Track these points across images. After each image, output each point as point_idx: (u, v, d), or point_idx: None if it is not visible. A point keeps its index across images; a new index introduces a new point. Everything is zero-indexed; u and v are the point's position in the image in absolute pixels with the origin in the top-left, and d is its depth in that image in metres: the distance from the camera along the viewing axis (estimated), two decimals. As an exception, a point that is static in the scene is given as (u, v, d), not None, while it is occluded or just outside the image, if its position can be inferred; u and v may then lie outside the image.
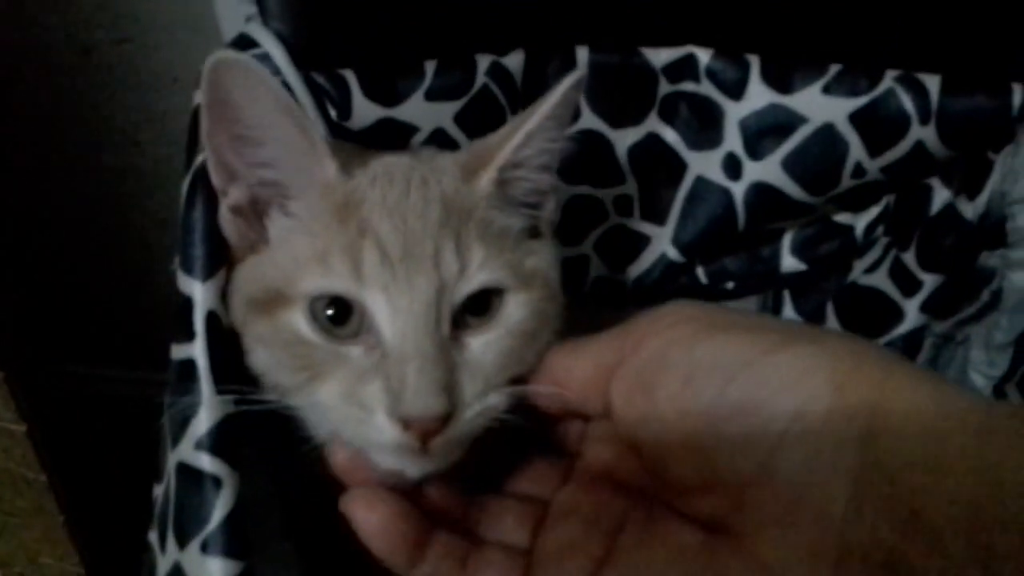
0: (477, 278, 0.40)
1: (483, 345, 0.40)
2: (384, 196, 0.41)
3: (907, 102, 0.50)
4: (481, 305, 0.41)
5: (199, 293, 0.41)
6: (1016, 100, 0.49)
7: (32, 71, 0.83)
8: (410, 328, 0.38)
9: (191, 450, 0.38)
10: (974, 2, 0.49)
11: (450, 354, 0.39)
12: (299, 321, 0.39)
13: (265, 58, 0.48)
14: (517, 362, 0.41)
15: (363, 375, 0.39)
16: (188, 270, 0.42)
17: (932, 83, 0.50)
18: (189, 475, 0.38)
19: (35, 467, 0.73)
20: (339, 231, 0.40)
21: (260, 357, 0.41)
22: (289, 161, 0.41)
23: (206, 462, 0.38)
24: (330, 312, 0.39)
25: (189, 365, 0.40)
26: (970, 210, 0.51)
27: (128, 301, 0.98)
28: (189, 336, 0.40)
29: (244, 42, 0.49)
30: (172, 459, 0.40)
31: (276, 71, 0.48)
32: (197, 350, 0.40)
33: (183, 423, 0.39)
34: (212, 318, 0.41)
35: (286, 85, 0.48)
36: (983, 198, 0.51)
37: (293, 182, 0.41)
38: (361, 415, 0.38)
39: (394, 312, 0.39)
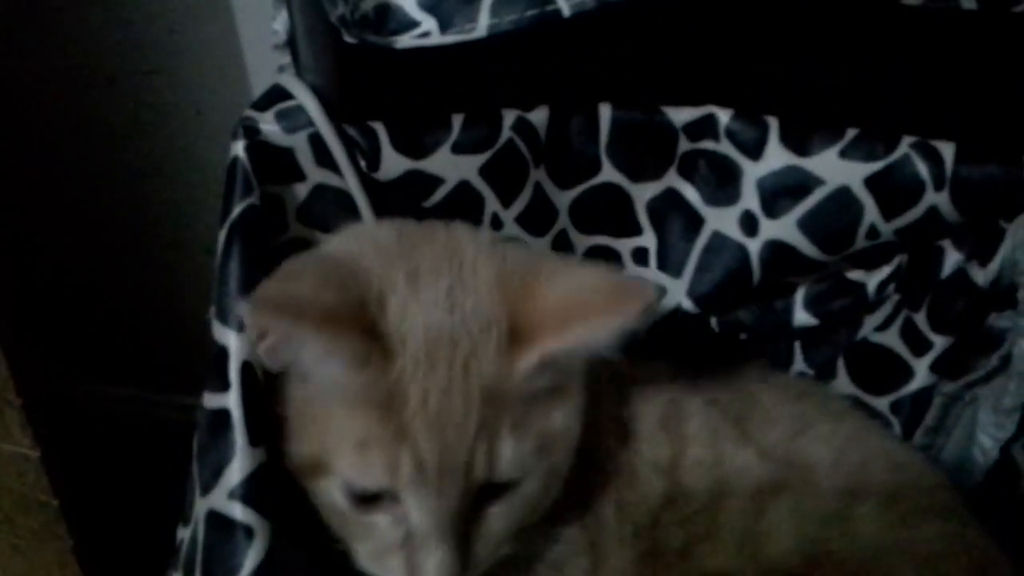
0: (504, 474, 0.42)
1: (499, 515, 0.43)
2: (426, 399, 0.41)
3: (922, 168, 0.52)
4: (502, 485, 0.43)
5: (234, 343, 0.42)
6: (1029, 169, 0.50)
7: (58, 99, 0.85)
8: (435, 522, 0.41)
9: (224, 499, 0.40)
10: (990, 73, 0.51)
11: (468, 531, 0.43)
12: (335, 493, 0.42)
13: (299, 110, 0.50)
14: (529, 517, 0.45)
15: (388, 546, 0.43)
16: (223, 320, 0.43)
17: (947, 151, 0.51)
18: (221, 523, 0.39)
19: (47, 492, 0.74)
20: (379, 424, 0.40)
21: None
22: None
23: (238, 511, 0.39)
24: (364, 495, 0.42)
25: (223, 415, 0.41)
26: (981, 276, 0.53)
27: (146, 324, 1.00)
28: (224, 386, 0.41)
29: (277, 93, 0.50)
30: (203, 506, 0.41)
31: (309, 122, 0.50)
32: (231, 401, 0.41)
33: (216, 472, 0.40)
34: (247, 368, 0.42)
35: (318, 136, 0.50)
36: (995, 265, 0.52)
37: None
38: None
39: (422, 508, 0.41)
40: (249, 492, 0.40)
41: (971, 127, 0.51)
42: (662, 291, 0.48)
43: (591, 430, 0.47)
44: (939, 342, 0.56)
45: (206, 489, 0.41)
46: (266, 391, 0.43)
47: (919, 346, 0.57)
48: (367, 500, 0.42)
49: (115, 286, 1.00)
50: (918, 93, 0.52)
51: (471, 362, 0.41)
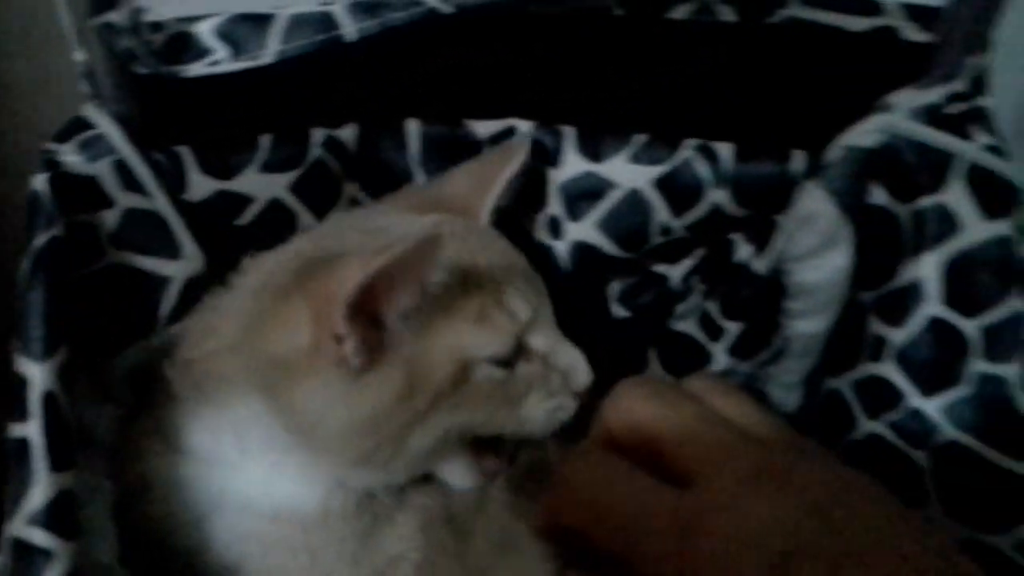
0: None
1: None
2: (487, 256, 0.49)
3: (703, 168, 0.56)
4: None
5: (36, 374, 0.43)
6: (797, 166, 0.55)
7: None
8: (552, 332, 0.50)
9: (24, 525, 0.40)
10: (762, 79, 0.55)
11: None
12: (491, 372, 0.47)
13: (101, 138, 0.51)
14: None
15: (545, 379, 0.49)
16: (25, 351, 0.44)
17: (725, 151, 0.56)
18: (21, 549, 0.40)
19: None
20: (479, 294, 0.47)
21: (439, 431, 0.46)
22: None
23: (38, 537, 0.40)
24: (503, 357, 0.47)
25: (23, 444, 0.42)
26: (761, 266, 0.57)
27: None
28: (24, 415, 0.42)
29: (80, 124, 0.51)
30: (7, 532, 0.42)
31: (112, 150, 0.51)
32: (32, 429, 0.42)
33: (16, 499, 0.41)
34: (49, 398, 0.43)
35: (123, 163, 0.51)
36: (770, 255, 0.56)
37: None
38: (559, 402, 0.50)
39: (541, 332, 0.49)
40: (50, 517, 0.41)
41: (745, 129, 0.56)
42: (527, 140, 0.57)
43: None
44: (731, 328, 0.61)
45: (9, 516, 0.42)
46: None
47: (715, 333, 0.62)
48: (509, 361, 0.47)
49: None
50: (697, 100, 0.56)
51: (473, 224, 0.53)
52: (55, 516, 0.41)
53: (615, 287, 0.64)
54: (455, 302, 0.46)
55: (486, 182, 0.54)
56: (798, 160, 0.55)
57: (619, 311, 0.64)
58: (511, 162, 0.54)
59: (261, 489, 0.48)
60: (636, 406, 0.41)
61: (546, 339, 0.49)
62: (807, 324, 0.55)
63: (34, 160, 0.50)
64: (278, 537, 0.49)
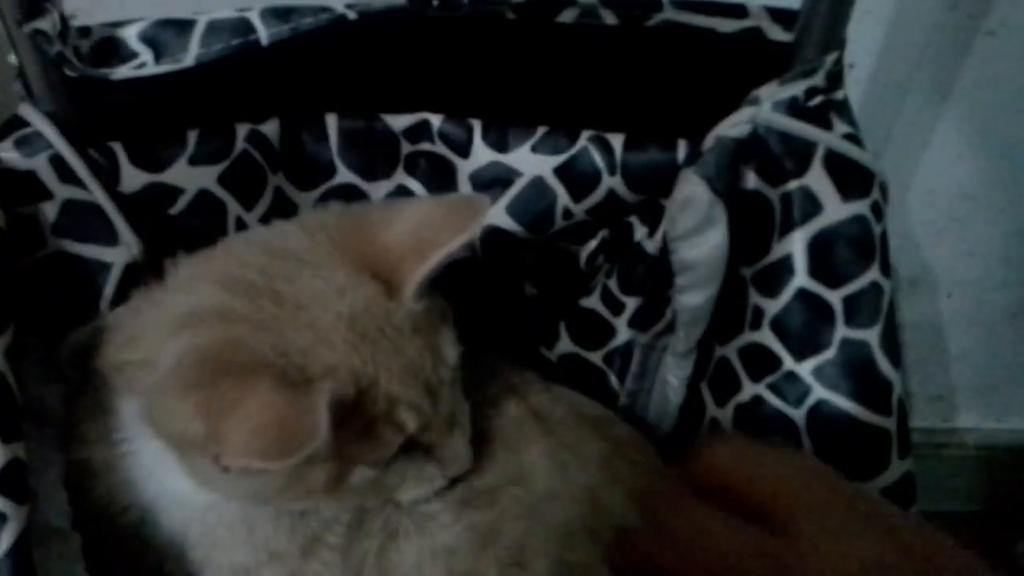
0: (453, 363, 0.52)
1: (456, 388, 0.53)
2: (388, 367, 0.47)
3: (598, 157, 0.61)
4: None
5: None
6: (680, 154, 0.60)
7: None
8: (441, 429, 0.51)
9: (-25, 491, 0.45)
10: (645, 76, 0.61)
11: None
12: (365, 474, 0.49)
13: (37, 135, 0.55)
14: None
15: (420, 469, 0.52)
16: (-31, 335, 0.48)
17: (617, 141, 0.61)
18: (-24, 514, 0.45)
19: None
20: (370, 407, 0.47)
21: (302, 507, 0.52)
22: None
23: (-9, 500, 0.45)
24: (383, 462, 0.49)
25: (-30, 418, 0.46)
26: (651, 246, 0.63)
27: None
28: (-31, 392, 0.47)
29: (17, 122, 0.55)
30: (-38, 497, 0.46)
31: (49, 146, 0.55)
32: (-22, 403, 0.46)
33: (-31, 469, 0.46)
34: (-3, 376, 0.47)
35: (59, 157, 0.55)
36: (659, 236, 0.62)
37: None
38: (431, 487, 0.53)
39: (431, 429, 0.50)
40: (2, 483, 0.45)
41: (636, 118, 0.61)
42: (489, 200, 0.54)
43: None
44: (630, 303, 0.66)
45: (-37, 483, 0.46)
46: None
47: (616, 307, 0.67)
48: (389, 460, 0.49)
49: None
50: (590, 94, 0.61)
51: (389, 316, 0.48)
52: (6, 482, 0.45)
53: (527, 267, 0.69)
54: (347, 419, 0.45)
55: (425, 250, 0.49)
56: (682, 149, 0.60)
57: (531, 289, 0.70)
58: (461, 233, 0.49)
59: (192, 489, 0.51)
60: (723, 463, 0.40)
61: (434, 435, 0.51)
62: (692, 297, 0.61)
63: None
64: (216, 516, 0.53)
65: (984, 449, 1.12)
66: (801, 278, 0.57)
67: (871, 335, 0.56)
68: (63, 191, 0.56)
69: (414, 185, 0.65)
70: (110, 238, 0.57)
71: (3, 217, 0.52)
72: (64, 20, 0.51)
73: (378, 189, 0.65)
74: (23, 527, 0.45)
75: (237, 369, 0.44)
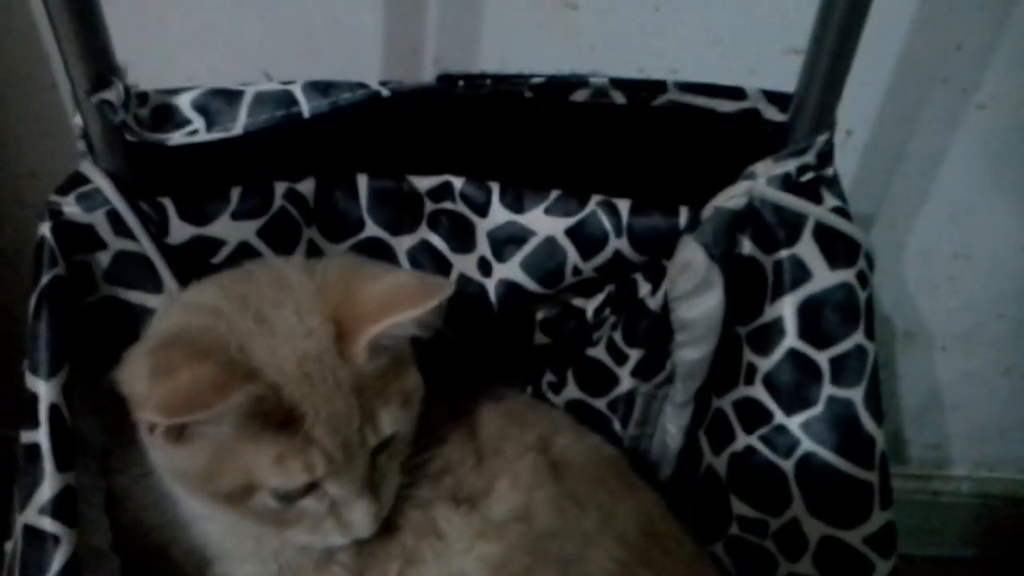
0: (386, 434, 0.56)
1: (388, 459, 0.58)
2: (317, 410, 0.52)
3: (606, 220, 0.66)
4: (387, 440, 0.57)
5: (43, 390, 0.53)
6: (682, 220, 0.65)
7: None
8: (351, 487, 0.55)
9: (35, 514, 0.50)
10: (654, 146, 0.66)
11: (372, 480, 0.56)
12: (268, 501, 0.53)
13: (96, 191, 0.60)
14: (405, 453, 0.60)
15: (319, 518, 0.55)
16: (34, 371, 0.53)
17: (623, 206, 0.66)
18: (33, 534, 0.50)
19: None
20: (287, 440, 0.52)
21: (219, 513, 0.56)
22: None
23: (48, 524, 0.50)
24: (289, 494, 0.54)
25: (34, 448, 0.52)
26: (653, 303, 0.68)
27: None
28: (34, 424, 0.52)
29: (77, 179, 0.60)
30: (20, 521, 0.51)
31: (106, 201, 0.60)
32: (41, 436, 0.52)
33: (29, 493, 0.51)
34: (54, 409, 0.53)
35: (115, 211, 0.61)
36: (660, 294, 0.67)
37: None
38: (324, 541, 0.57)
39: (339, 484, 0.54)
40: (56, 508, 0.50)
41: (640, 187, 0.66)
42: (452, 286, 0.58)
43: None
44: (633, 355, 0.71)
45: (22, 507, 0.51)
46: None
47: (620, 358, 0.72)
48: (291, 497, 0.54)
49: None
50: (599, 164, 0.66)
51: (336, 367, 0.54)
52: (60, 507, 0.50)
53: (539, 318, 0.74)
54: (263, 436, 0.51)
55: (381, 314, 0.54)
56: (683, 215, 0.65)
57: (542, 338, 0.74)
58: (416, 306, 0.53)
59: (205, 509, 0.58)
60: None
61: (342, 490, 0.54)
62: (690, 352, 0.65)
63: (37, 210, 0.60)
64: (228, 531, 0.60)
65: (978, 497, 1.15)
66: (791, 339, 0.62)
67: (855, 394, 0.61)
68: (117, 243, 0.61)
69: (436, 240, 0.70)
70: (155, 286, 0.63)
71: (63, 265, 0.58)
72: (127, 91, 0.57)
73: (402, 243, 0.71)
74: (73, 549, 0.50)
75: (197, 348, 0.51)
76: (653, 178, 0.66)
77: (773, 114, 0.62)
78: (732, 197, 0.61)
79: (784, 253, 0.61)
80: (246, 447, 0.52)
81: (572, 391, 0.76)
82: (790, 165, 0.60)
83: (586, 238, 0.66)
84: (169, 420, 0.48)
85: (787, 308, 0.62)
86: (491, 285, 0.70)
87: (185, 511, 0.60)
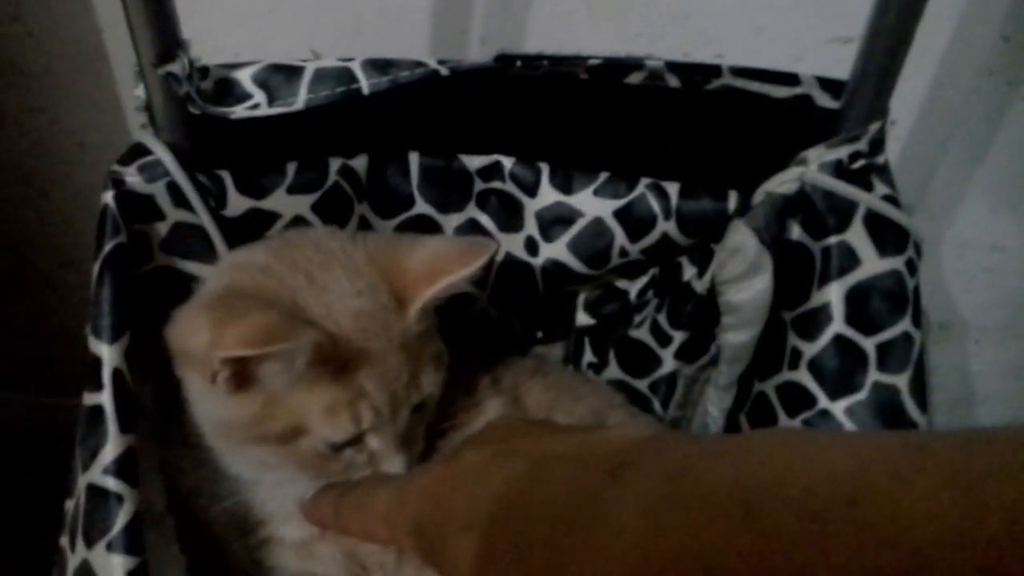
0: (426, 394, 0.58)
1: (419, 421, 0.59)
2: (372, 363, 0.54)
3: (654, 203, 0.67)
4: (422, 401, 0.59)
5: (106, 354, 0.54)
6: (731, 204, 0.66)
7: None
8: (391, 443, 0.56)
9: (99, 474, 0.51)
10: (706, 131, 0.66)
11: (409, 439, 0.58)
12: (315, 445, 0.55)
13: (157, 163, 0.61)
14: (432, 417, 0.61)
15: (357, 469, 0.57)
16: (97, 335, 0.55)
17: (672, 189, 0.66)
18: (98, 493, 0.51)
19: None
20: (340, 391, 0.53)
21: (257, 460, 0.57)
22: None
23: (111, 483, 0.51)
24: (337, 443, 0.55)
25: (98, 410, 0.53)
26: (700, 286, 0.68)
27: (32, 335, 1.09)
28: (98, 387, 0.53)
29: (139, 150, 0.61)
30: (83, 480, 0.52)
31: (166, 172, 0.61)
32: (105, 398, 0.53)
33: (93, 453, 0.52)
34: (117, 373, 0.54)
35: (174, 183, 0.62)
36: (707, 278, 0.67)
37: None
38: None
39: (382, 439, 0.56)
40: (120, 468, 0.51)
41: (690, 171, 0.67)
42: (498, 244, 0.61)
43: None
44: (677, 337, 0.72)
45: (85, 467, 0.52)
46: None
47: (664, 340, 0.73)
48: (338, 446, 0.55)
49: (7, 300, 1.09)
50: (650, 147, 0.67)
51: (388, 325, 0.55)
52: (123, 467, 0.51)
53: (583, 298, 0.75)
54: (317, 385, 0.53)
55: (433, 277, 0.56)
56: (733, 200, 0.66)
57: (585, 319, 0.75)
58: (466, 266, 0.56)
59: (254, 474, 0.60)
60: None
61: (381, 444, 0.56)
62: (736, 335, 0.66)
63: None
64: (274, 495, 0.61)
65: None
66: (838, 324, 0.62)
67: (901, 380, 0.61)
68: (175, 214, 0.62)
69: (484, 219, 0.71)
70: (210, 256, 0.64)
71: (125, 233, 0.59)
72: (191, 64, 0.58)
73: (451, 221, 0.71)
74: (136, 508, 0.52)
75: (257, 299, 0.53)
76: (703, 162, 0.66)
77: (826, 101, 0.62)
78: (783, 182, 0.61)
79: (833, 239, 0.62)
80: (300, 396, 0.53)
81: (613, 371, 0.77)
82: (842, 152, 0.61)
83: (634, 220, 0.67)
84: (250, 352, 0.49)
85: (835, 294, 0.62)
86: (537, 265, 0.71)
87: (229, 478, 0.61)
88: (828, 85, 0.62)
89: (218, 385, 0.53)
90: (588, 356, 0.80)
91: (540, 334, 0.77)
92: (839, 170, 0.61)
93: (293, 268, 0.57)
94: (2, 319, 1.12)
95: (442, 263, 0.57)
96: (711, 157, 0.66)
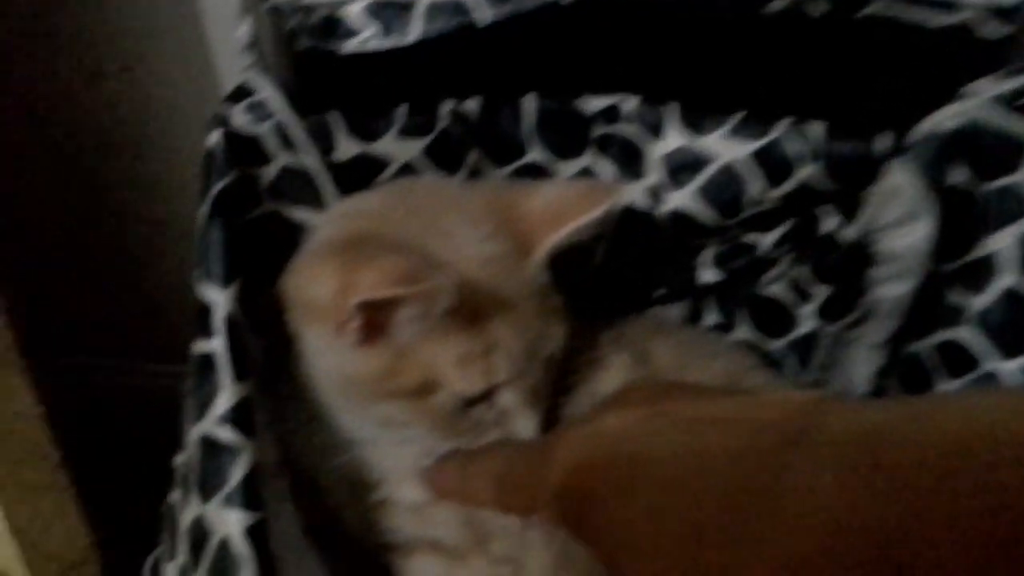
0: (555, 345, 0.55)
1: (546, 374, 0.55)
2: (503, 312, 0.51)
3: (796, 145, 0.61)
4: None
5: (218, 298, 0.51)
6: (882, 145, 0.60)
7: (44, 93, 0.93)
8: (524, 400, 0.53)
9: (213, 424, 0.48)
10: (851, 64, 0.60)
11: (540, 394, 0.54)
12: (447, 401, 0.51)
13: (265, 103, 0.58)
14: (556, 371, 0.57)
15: (486, 427, 0.53)
16: (208, 279, 0.52)
17: (818, 129, 0.60)
18: (212, 445, 0.48)
19: (50, 445, 0.82)
20: (472, 342, 0.50)
21: (382, 418, 0.53)
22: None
23: (227, 434, 0.48)
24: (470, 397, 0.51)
25: (210, 358, 0.50)
26: (849, 235, 0.62)
27: (128, 299, 1.08)
28: (210, 334, 0.50)
29: (244, 91, 0.58)
30: (195, 432, 0.49)
31: (274, 114, 0.58)
32: (217, 344, 0.50)
33: (206, 403, 0.49)
34: (230, 319, 0.51)
35: (282, 125, 0.58)
36: (858, 225, 0.61)
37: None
38: None
39: (515, 394, 0.52)
40: (235, 417, 0.48)
41: (838, 108, 0.61)
42: (625, 187, 0.59)
43: None
44: (821, 291, 0.66)
45: (197, 419, 0.49)
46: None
47: (804, 296, 0.67)
48: (471, 401, 0.52)
49: (104, 264, 1.08)
50: (791, 82, 0.61)
51: (516, 272, 0.52)
52: (239, 417, 0.48)
53: (708, 253, 0.70)
54: (450, 335, 0.50)
55: (558, 222, 0.53)
56: (884, 140, 0.60)
57: (709, 275, 0.70)
58: (592, 210, 0.53)
59: (368, 432, 0.56)
60: None
61: (513, 399, 0.52)
62: (893, 288, 0.60)
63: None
64: (387, 455, 0.57)
65: None
66: (1008, 276, 0.56)
67: (1080, 338, 0.55)
68: (282, 157, 0.59)
69: (602, 166, 0.66)
70: (318, 203, 0.61)
71: (233, 175, 0.56)
72: (298, -2, 0.54)
73: (566, 169, 0.67)
74: (253, 460, 0.48)
75: (380, 243, 0.50)
76: (852, 99, 0.60)
77: (991, 30, 0.55)
78: (945, 120, 0.55)
79: (1002, 182, 0.55)
80: (432, 347, 0.50)
81: (743, 332, 0.71)
82: (1012, 85, 0.54)
83: (773, 164, 0.61)
84: (390, 293, 0.46)
85: (1004, 242, 0.56)
86: (660, 216, 0.66)
87: (342, 438, 0.58)
88: (997, 11, 0.55)
89: (345, 337, 0.49)
90: (712, 317, 0.74)
91: (659, 293, 0.72)
92: (1009, 105, 0.54)
93: (412, 214, 0.54)
94: (97, 286, 1.11)
95: (566, 207, 0.53)
96: (861, 93, 0.60)
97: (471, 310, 0.50)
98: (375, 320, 0.49)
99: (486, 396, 0.52)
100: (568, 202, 0.54)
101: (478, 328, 0.50)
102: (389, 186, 0.60)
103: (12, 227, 0.99)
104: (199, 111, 0.85)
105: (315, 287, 0.50)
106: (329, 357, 0.53)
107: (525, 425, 0.53)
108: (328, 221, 0.58)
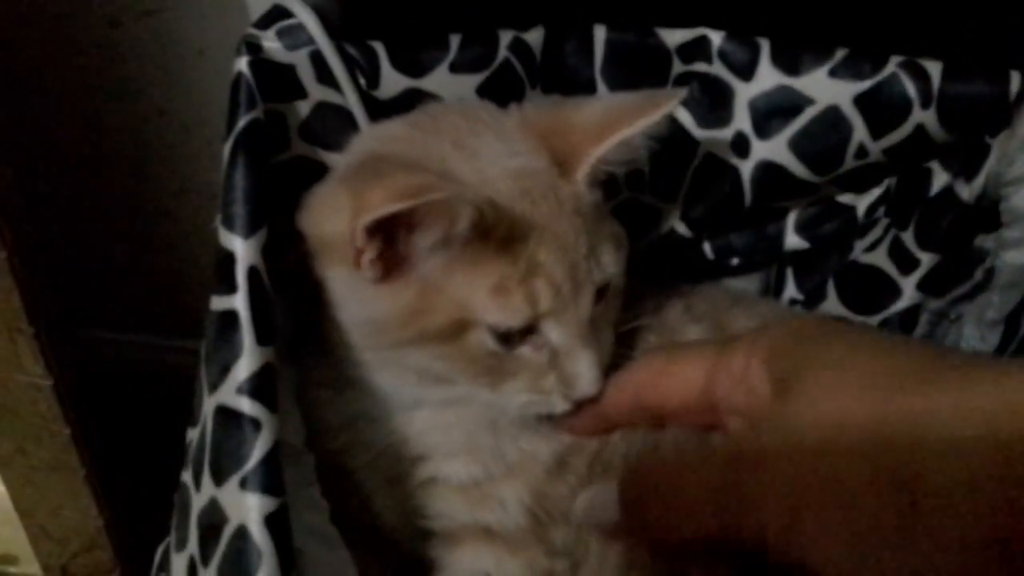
0: (608, 274, 0.48)
1: (605, 312, 0.49)
2: (542, 231, 0.45)
3: (909, 87, 0.53)
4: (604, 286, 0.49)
5: (241, 249, 0.44)
6: (1014, 87, 0.51)
7: (60, 41, 0.86)
8: (576, 332, 0.46)
9: (232, 394, 0.41)
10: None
11: (595, 332, 0.48)
12: (485, 340, 0.45)
13: (300, 27, 0.51)
14: (618, 309, 0.51)
15: (538, 371, 0.47)
16: (230, 227, 0.44)
17: (934, 69, 0.52)
18: (229, 417, 0.41)
19: (60, 421, 0.76)
20: (510, 265, 0.44)
21: (418, 369, 0.47)
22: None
23: (246, 405, 0.41)
24: (508, 333, 0.45)
25: (230, 316, 0.42)
26: (967, 192, 0.54)
27: (147, 269, 1.02)
28: (231, 289, 0.43)
29: (278, 13, 0.51)
30: (210, 403, 0.42)
31: (310, 40, 0.51)
32: (239, 302, 0.42)
33: (223, 369, 0.42)
34: (253, 272, 0.43)
35: (319, 54, 0.51)
36: (979, 180, 0.53)
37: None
38: (545, 403, 0.48)
39: (564, 325, 0.46)
40: (256, 387, 0.41)
41: (958, 44, 0.52)
42: (683, 93, 0.50)
43: None
44: (926, 260, 0.57)
45: (214, 387, 0.42)
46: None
47: (907, 264, 0.59)
48: (510, 339, 0.45)
49: (120, 231, 1.02)
50: (907, 10, 0.53)
51: (554, 187, 0.47)
52: (261, 387, 0.41)
53: (794, 216, 0.62)
54: (480, 262, 0.44)
55: (605, 132, 0.47)
56: (1016, 81, 0.51)
57: (796, 241, 0.62)
58: (645, 117, 0.47)
59: (406, 395, 0.50)
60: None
61: (564, 336, 0.46)
62: (1020, 254, 0.52)
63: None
64: (431, 418, 0.51)
65: None
66: None
67: None
68: (318, 91, 0.52)
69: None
70: (356, 148, 0.53)
71: (262, 108, 0.48)
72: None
73: (638, 115, 0.59)
74: (275, 437, 0.41)
75: (392, 163, 0.45)
76: (975, 34, 0.52)
77: None
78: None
79: None
80: (461, 277, 0.44)
81: (830, 307, 0.63)
82: None
83: (881, 109, 0.53)
84: (398, 207, 0.40)
85: None
86: (746, 169, 0.58)
87: (379, 406, 0.51)
88: None
89: (364, 271, 0.44)
90: (790, 290, 0.66)
91: (735, 261, 0.64)
92: None
93: (437, 136, 0.48)
94: (111, 254, 1.05)
95: (615, 116, 0.48)
96: (986, 28, 0.51)
97: (504, 233, 0.44)
98: (392, 249, 0.43)
99: (529, 332, 0.46)
100: (618, 111, 0.48)
101: (513, 252, 0.44)
102: (418, 110, 0.53)
103: (26, 188, 0.92)
104: (231, 58, 0.78)
105: (329, 219, 0.46)
106: (353, 300, 0.47)
107: (584, 365, 0.46)
108: (348, 151, 0.52)
